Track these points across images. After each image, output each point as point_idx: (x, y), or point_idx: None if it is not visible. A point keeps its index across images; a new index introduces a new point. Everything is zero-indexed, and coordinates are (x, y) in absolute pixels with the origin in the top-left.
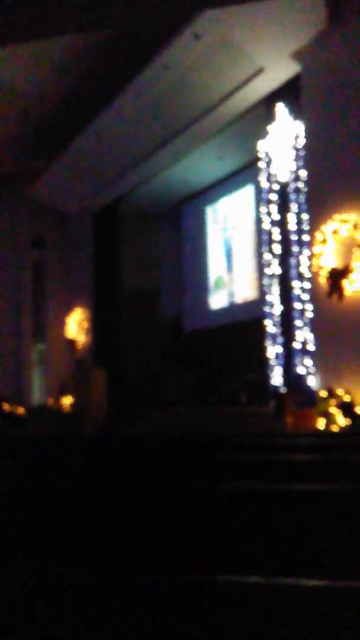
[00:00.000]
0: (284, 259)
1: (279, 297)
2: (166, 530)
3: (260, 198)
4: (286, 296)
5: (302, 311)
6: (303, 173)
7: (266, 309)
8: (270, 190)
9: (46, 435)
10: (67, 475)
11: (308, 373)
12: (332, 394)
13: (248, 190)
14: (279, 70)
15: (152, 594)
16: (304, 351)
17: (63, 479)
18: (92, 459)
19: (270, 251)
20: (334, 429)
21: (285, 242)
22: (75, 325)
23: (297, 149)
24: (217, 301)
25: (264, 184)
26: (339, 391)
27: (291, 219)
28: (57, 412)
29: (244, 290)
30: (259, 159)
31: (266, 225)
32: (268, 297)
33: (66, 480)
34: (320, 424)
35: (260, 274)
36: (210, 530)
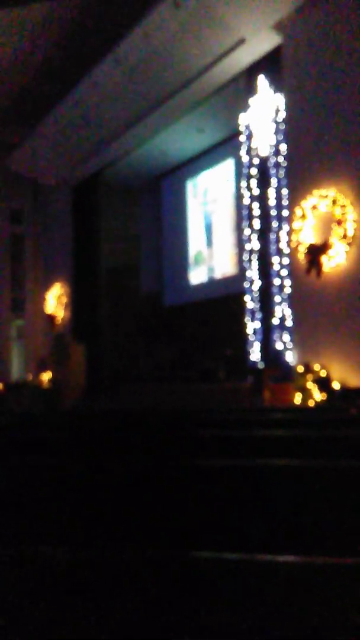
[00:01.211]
0: (264, 234)
1: (258, 273)
2: (142, 506)
3: (240, 172)
4: (265, 272)
5: (281, 287)
6: (283, 147)
7: (245, 284)
8: (251, 165)
9: (24, 411)
10: (43, 451)
11: (286, 348)
12: (309, 369)
13: (228, 164)
14: (260, 41)
15: (127, 570)
16: (282, 327)
17: (39, 454)
18: (69, 435)
19: (250, 226)
20: (311, 403)
21: (265, 217)
22: (54, 301)
23: (277, 123)
24: (196, 276)
25: (245, 158)
26: (316, 366)
27: (271, 194)
28: (36, 388)
29: (223, 265)
30: (239, 132)
31: (246, 200)
32: (247, 273)
33: (42, 456)
34: (297, 398)
35: (240, 249)
36: (187, 506)
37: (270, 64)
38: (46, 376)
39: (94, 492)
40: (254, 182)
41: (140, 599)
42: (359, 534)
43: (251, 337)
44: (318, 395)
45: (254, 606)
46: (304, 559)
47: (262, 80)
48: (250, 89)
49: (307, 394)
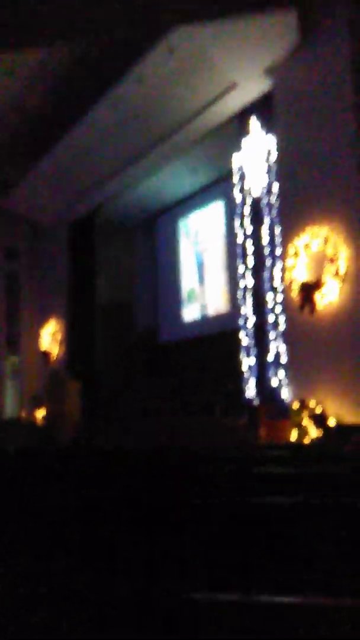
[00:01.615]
0: (257, 271)
1: (252, 310)
2: (138, 541)
3: (231, 212)
4: (259, 309)
5: (275, 323)
6: (276, 187)
7: (240, 321)
8: (244, 204)
9: (19, 448)
10: (39, 488)
11: (281, 385)
12: (304, 405)
13: (220, 204)
14: (252, 85)
15: (122, 606)
16: (277, 363)
17: (35, 491)
18: (64, 471)
19: (244, 264)
20: (307, 440)
21: (259, 255)
22: (49, 337)
23: (269, 163)
24: (189, 313)
25: (238, 198)
26: (312, 403)
27: (264, 232)
28: (30, 425)
29: (216, 302)
30: (232, 172)
31: (240, 238)
32: (242, 310)
33: (37, 492)
34: (293, 435)
35: (232, 286)
36: (183, 542)
37: (262, 106)
38: (41, 413)
39: (88, 528)
40: (247, 221)
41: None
42: (355, 571)
43: (246, 374)
44: (314, 432)
45: None
46: (302, 599)
47: (254, 123)
48: (243, 131)
49: (303, 431)
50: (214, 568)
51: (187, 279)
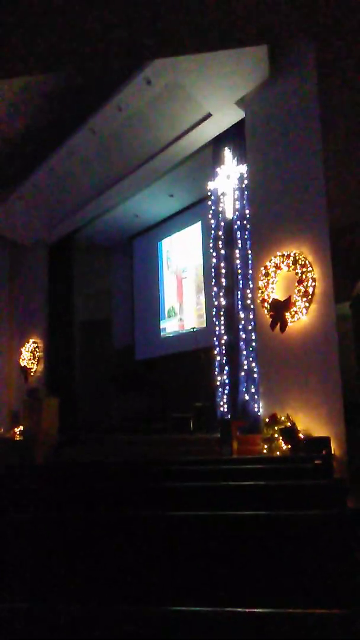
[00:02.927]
0: (230, 291)
1: (225, 328)
2: (115, 557)
3: (208, 234)
4: (232, 327)
5: (247, 341)
6: (248, 211)
7: (214, 339)
8: (218, 227)
9: None
10: (15, 504)
11: (253, 400)
12: (275, 420)
13: (197, 226)
14: (225, 115)
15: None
16: (249, 379)
17: (11, 507)
18: (41, 488)
19: (218, 284)
20: (277, 453)
21: (231, 276)
22: (28, 354)
23: (242, 189)
24: (166, 331)
25: (212, 221)
26: (282, 418)
27: (237, 254)
28: (9, 441)
29: (192, 320)
30: (207, 197)
31: (213, 259)
32: (215, 328)
33: (14, 509)
34: (264, 449)
35: (208, 305)
36: (157, 556)
37: (235, 135)
38: (19, 429)
39: (68, 542)
40: (220, 243)
41: None
42: (324, 583)
43: (219, 389)
44: (284, 446)
45: None
46: (271, 610)
47: (227, 151)
48: (217, 158)
49: (273, 445)
50: (185, 580)
51: (166, 298)
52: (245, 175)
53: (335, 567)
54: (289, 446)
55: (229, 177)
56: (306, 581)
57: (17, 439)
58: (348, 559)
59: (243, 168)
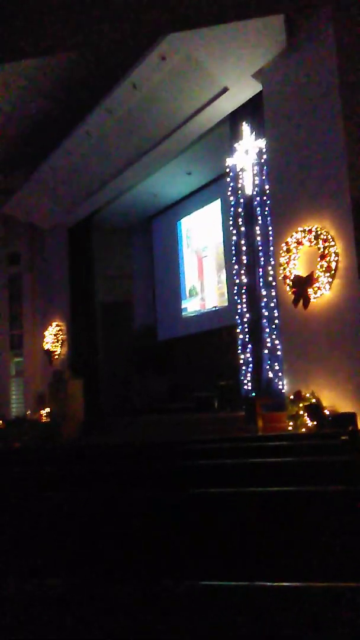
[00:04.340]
0: (252, 268)
1: (247, 306)
2: (144, 535)
3: (227, 211)
4: (254, 304)
5: (270, 318)
6: (267, 187)
7: (236, 317)
8: (237, 204)
9: (24, 446)
10: (43, 487)
11: (277, 377)
12: (299, 397)
13: (216, 204)
14: (242, 89)
15: (123, 599)
16: (272, 357)
17: (39, 490)
18: (67, 470)
19: (239, 262)
20: (302, 430)
21: (252, 253)
22: (52, 337)
23: (261, 164)
24: (187, 310)
25: (231, 198)
26: (306, 394)
27: (257, 230)
28: (35, 423)
29: (214, 299)
30: (226, 174)
31: (234, 237)
32: (237, 306)
33: (42, 491)
34: (289, 426)
35: (229, 283)
36: (186, 534)
37: (252, 109)
38: (45, 412)
39: (94, 524)
40: (240, 220)
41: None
42: (351, 557)
43: (243, 368)
44: (309, 423)
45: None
46: (303, 584)
47: (244, 126)
48: (235, 134)
49: (298, 422)
50: (216, 555)
51: (188, 277)
52: (264, 150)
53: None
54: (315, 423)
55: (247, 153)
56: (332, 556)
57: (44, 420)
58: None
59: (261, 143)
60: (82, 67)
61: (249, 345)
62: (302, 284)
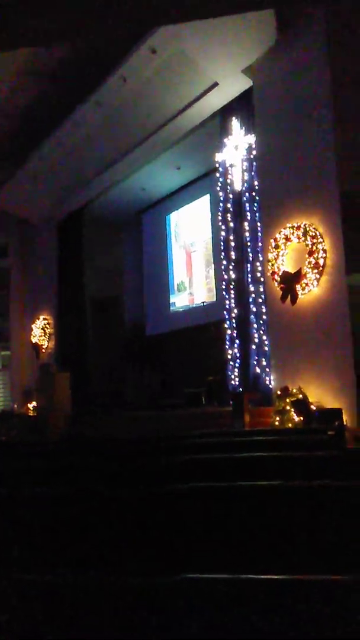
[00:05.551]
0: (240, 264)
1: (235, 301)
2: (131, 530)
3: (216, 207)
4: (242, 300)
5: (258, 314)
6: (257, 183)
7: (224, 312)
8: (226, 199)
9: (11, 440)
10: (29, 482)
11: (264, 373)
12: (286, 392)
13: (204, 200)
14: (232, 84)
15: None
16: (260, 352)
17: (25, 485)
18: (56, 463)
19: (227, 257)
20: (289, 425)
21: (241, 249)
22: (40, 331)
23: (250, 160)
24: (176, 305)
25: (220, 194)
26: (293, 390)
27: (246, 226)
28: (22, 417)
29: (201, 294)
30: (215, 169)
31: (222, 232)
32: (226, 302)
33: (28, 486)
34: (276, 421)
35: (218, 279)
36: (172, 529)
37: (242, 105)
38: (32, 405)
39: (81, 518)
40: (229, 216)
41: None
42: (336, 551)
43: (231, 363)
44: (296, 418)
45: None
46: (285, 577)
47: (234, 122)
48: (224, 129)
49: (285, 417)
50: (201, 548)
51: (175, 272)
52: (254, 146)
53: (346, 536)
54: (301, 418)
55: (236, 148)
56: (317, 549)
57: (31, 414)
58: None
59: (251, 138)
60: (72, 59)
61: (237, 341)
62: (290, 280)
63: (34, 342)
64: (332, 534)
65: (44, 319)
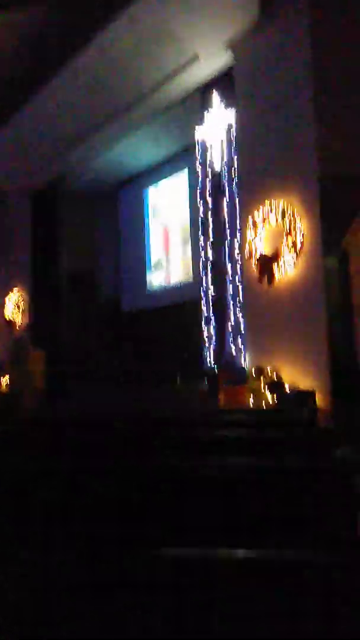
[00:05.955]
0: (218, 244)
1: (212, 281)
2: (101, 507)
3: (195, 184)
4: (219, 280)
5: (234, 294)
6: (236, 161)
7: (201, 291)
8: (205, 177)
9: None
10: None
11: (239, 353)
12: (261, 372)
13: (183, 175)
14: (214, 59)
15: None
16: (235, 332)
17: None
18: (26, 440)
19: (204, 236)
20: (263, 405)
21: (219, 228)
22: (13, 306)
23: (230, 137)
24: (153, 283)
25: (199, 171)
26: (268, 370)
27: (224, 205)
28: None
29: (179, 273)
30: (195, 146)
31: (200, 211)
32: (202, 281)
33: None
34: (250, 401)
35: (195, 258)
36: (146, 505)
37: (223, 80)
38: (4, 381)
39: (54, 494)
40: (208, 194)
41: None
42: (303, 527)
43: (206, 342)
44: (270, 398)
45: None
46: (254, 552)
47: (215, 97)
48: (205, 104)
49: (259, 397)
50: (175, 526)
51: (153, 249)
52: (234, 125)
53: (318, 512)
54: (275, 398)
55: (217, 124)
56: (286, 526)
57: (3, 390)
58: (332, 506)
59: (232, 114)
60: (48, 27)
61: (212, 320)
62: (267, 261)
63: (7, 317)
64: (301, 510)
65: (18, 293)
